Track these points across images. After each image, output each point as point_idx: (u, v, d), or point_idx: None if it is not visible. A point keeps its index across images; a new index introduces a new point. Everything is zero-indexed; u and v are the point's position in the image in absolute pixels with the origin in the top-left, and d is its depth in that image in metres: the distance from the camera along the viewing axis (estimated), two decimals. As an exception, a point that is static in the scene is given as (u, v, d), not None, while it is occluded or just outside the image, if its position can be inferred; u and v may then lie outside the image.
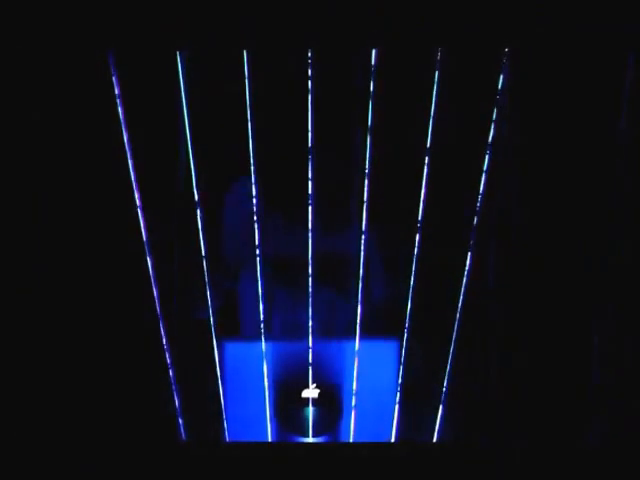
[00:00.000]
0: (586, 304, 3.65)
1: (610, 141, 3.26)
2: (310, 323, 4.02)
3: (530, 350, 3.81)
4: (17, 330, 3.54)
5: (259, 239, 3.77)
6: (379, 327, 4.11)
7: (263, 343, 4.05)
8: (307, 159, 3.50)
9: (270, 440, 4.33)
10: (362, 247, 3.77)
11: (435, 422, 4.31)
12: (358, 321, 4.04)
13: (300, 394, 4.24)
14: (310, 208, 3.66)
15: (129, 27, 2.96)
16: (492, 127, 3.38)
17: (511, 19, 2.93)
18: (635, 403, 3.62)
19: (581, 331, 3.69)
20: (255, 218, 3.69)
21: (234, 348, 4.08)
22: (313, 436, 4.21)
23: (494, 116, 3.35)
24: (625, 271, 3.50)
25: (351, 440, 4.45)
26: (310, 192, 3.62)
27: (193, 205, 3.58)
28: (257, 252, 3.79)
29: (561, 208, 3.49)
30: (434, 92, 3.31)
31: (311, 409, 4.27)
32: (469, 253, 3.74)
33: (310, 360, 4.12)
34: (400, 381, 4.21)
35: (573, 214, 3.48)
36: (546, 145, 3.35)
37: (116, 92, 3.19)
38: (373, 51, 3.19)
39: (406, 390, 4.25)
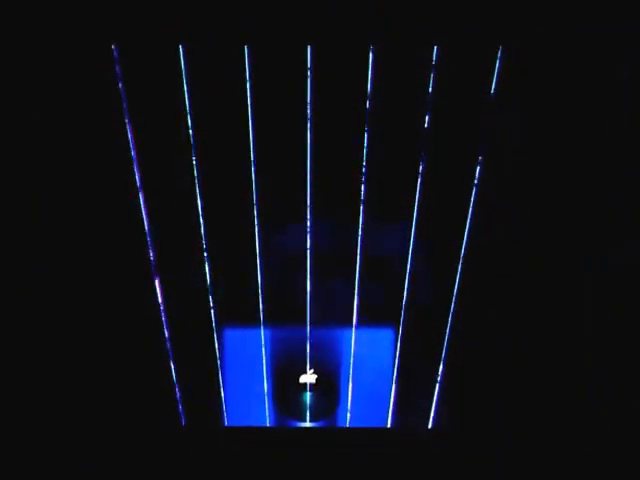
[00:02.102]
0: (585, 304, 3.66)
1: (608, 140, 3.27)
2: (308, 311, 4.06)
3: (526, 342, 3.84)
4: (18, 321, 3.58)
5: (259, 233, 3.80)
6: (376, 315, 4.15)
7: (262, 329, 4.10)
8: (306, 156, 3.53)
9: (268, 424, 4.40)
10: (360, 240, 3.80)
11: (430, 408, 4.38)
12: (355, 309, 4.08)
13: (298, 379, 4.31)
14: (309, 202, 3.70)
15: (133, 22, 2.97)
16: (489, 124, 3.40)
17: (508, 19, 2.94)
18: (635, 403, 3.66)
19: (579, 330, 3.71)
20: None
21: (233, 334, 4.13)
22: (311, 421, 4.28)
23: (491, 112, 3.37)
24: (625, 271, 3.52)
25: (348, 425, 4.53)
26: (309, 187, 3.65)
27: (194, 198, 3.61)
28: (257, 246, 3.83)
29: (559, 206, 3.50)
30: (430, 90, 3.33)
31: (309, 394, 4.33)
32: (464, 248, 3.77)
33: (308, 346, 4.17)
34: (396, 367, 4.26)
35: (571, 212, 3.48)
36: (545, 144, 3.36)
37: (120, 88, 3.22)
38: (371, 49, 3.20)
39: (402, 376, 4.31)
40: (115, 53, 3.11)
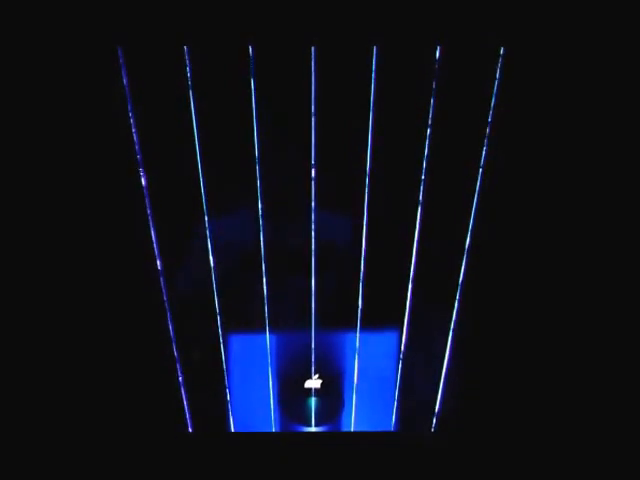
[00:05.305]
0: (585, 304, 3.69)
1: (609, 140, 3.33)
2: (313, 315, 4.07)
3: (527, 345, 3.86)
4: (22, 326, 3.57)
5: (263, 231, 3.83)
6: (380, 318, 4.16)
7: (267, 335, 4.11)
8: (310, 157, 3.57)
9: (274, 430, 4.39)
10: (363, 238, 3.83)
11: (433, 412, 4.39)
12: (359, 312, 4.10)
13: (303, 385, 4.31)
14: (312, 199, 3.73)
15: (137, 23, 3.02)
16: (489, 124, 3.45)
17: (509, 18, 3.01)
18: (635, 403, 3.67)
19: (579, 331, 3.74)
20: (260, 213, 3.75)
21: (239, 341, 4.14)
22: (316, 425, 4.28)
23: (491, 113, 3.42)
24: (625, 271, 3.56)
25: (352, 429, 4.52)
26: (313, 184, 3.68)
27: (200, 202, 3.63)
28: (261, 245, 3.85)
29: (559, 206, 3.54)
30: (433, 89, 3.39)
31: (314, 399, 4.34)
32: (467, 247, 3.81)
33: (312, 351, 4.18)
34: (400, 371, 4.28)
35: (572, 212, 3.51)
36: (545, 144, 3.40)
37: (125, 88, 3.25)
38: (374, 49, 3.27)
39: (405, 380, 4.32)
40: (120, 54, 3.16)
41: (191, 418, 4.19)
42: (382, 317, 4.17)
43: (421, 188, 3.64)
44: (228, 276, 3.91)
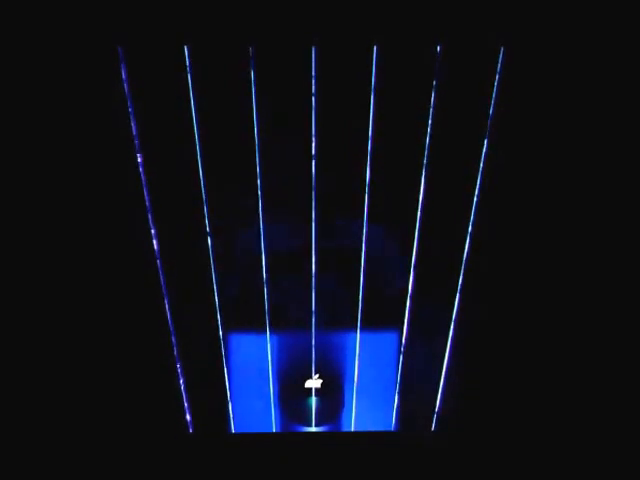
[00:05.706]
0: (585, 303, 3.69)
1: (608, 140, 3.33)
2: (313, 315, 4.07)
3: (527, 345, 3.86)
4: (24, 328, 3.57)
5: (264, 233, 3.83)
6: (380, 318, 4.16)
7: (268, 335, 4.11)
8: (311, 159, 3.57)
9: (275, 430, 4.40)
10: (364, 240, 3.83)
11: (434, 411, 4.39)
12: (359, 313, 4.09)
13: (303, 385, 4.32)
14: (313, 202, 3.72)
15: (138, 23, 3.02)
16: (489, 122, 3.45)
17: (509, 18, 3.01)
18: (635, 403, 3.67)
19: (579, 332, 3.74)
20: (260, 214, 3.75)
21: (239, 341, 4.14)
22: (316, 425, 4.28)
23: (491, 110, 3.42)
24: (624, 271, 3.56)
25: (352, 429, 4.53)
26: (314, 186, 3.68)
27: (199, 196, 3.63)
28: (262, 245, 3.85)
29: (559, 207, 3.53)
30: (433, 88, 3.39)
31: (314, 399, 4.34)
32: (467, 247, 3.80)
33: (313, 351, 4.18)
34: (400, 371, 4.28)
35: (572, 212, 3.51)
36: (546, 143, 3.40)
37: (125, 88, 3.26)
38: (374, 48, 3.27)
39: (406, 380, 4.32)
40: (120, 54, 3.17)
41: (191, 419, 4.18)
42: (382, 317, 4.17)
43: (421, 188, 3.64)
44: (229, 274, 3.92)
